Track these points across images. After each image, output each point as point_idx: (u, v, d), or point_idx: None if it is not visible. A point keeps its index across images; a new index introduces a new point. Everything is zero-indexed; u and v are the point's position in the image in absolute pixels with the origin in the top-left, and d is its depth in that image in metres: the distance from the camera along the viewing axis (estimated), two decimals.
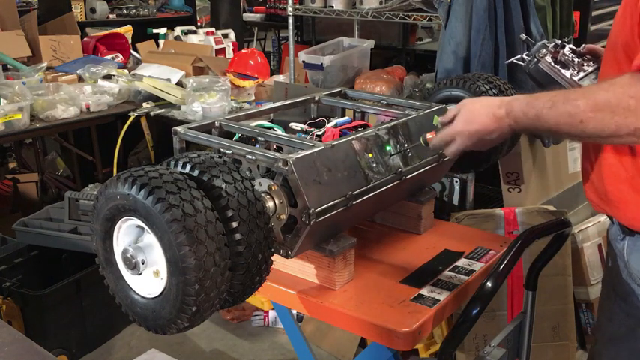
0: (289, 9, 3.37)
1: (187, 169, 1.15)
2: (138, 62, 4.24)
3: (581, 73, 1.61)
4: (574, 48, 1.67)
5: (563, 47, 1.66)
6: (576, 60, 1.64)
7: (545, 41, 1.71)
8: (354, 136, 1.43)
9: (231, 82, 3.50)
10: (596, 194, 1.36)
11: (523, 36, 1.80)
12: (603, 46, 1.41)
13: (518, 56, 1.75)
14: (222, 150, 1.40)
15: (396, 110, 1.70)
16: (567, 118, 1.10)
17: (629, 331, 1.36)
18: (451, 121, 1.34)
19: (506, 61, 2.09)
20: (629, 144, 1.13)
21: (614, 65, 1.22)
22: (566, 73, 1.61)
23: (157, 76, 3.56)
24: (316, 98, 1.84)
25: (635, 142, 1.07)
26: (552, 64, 1.64)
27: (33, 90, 3.19)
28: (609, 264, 1.42)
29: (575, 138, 1.14)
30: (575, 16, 2.82)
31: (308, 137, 1.54)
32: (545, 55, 1.65)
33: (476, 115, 1.29)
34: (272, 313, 3.03)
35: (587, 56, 1.66)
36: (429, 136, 1.42)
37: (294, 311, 1.95)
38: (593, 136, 1.08)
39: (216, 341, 2.95)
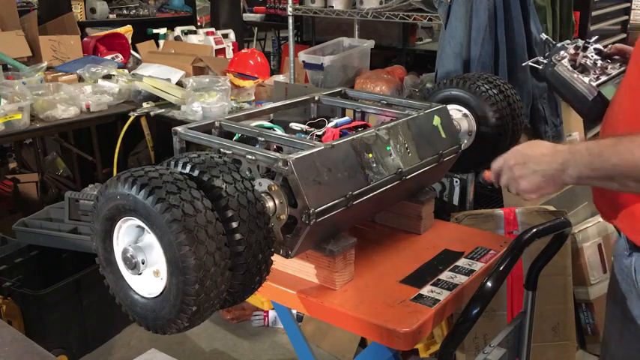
0: (289, 9, 3.36)
1: (187, 169, 1.15)
2: (138, 62, 4.25)
3: (603, 77, 1.49)
4: (600, 48, 1.55)
5: (586, 49, 1.54)
6: (599, 62, 1.52)
7: (567, 42, 1.60)
8: (354, 136, 1.43)
9: (231, 82, 3.50)
10: (606, 203, 1.27)
11: (544, 36, 1.70)
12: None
13: (535, 58, 1.64)
14: (222, 150, 1.40)
15: (396, 110, 1.69)
16: (629, 154, 1.00)
17: None
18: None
19: (523, 64, 1.98)
20: None
21: None
22: (585, 78, 1.49)
23: (157, 76, 3.56)
24: (316, 98, 1.84)
25: None
26: (570, 68, 1.53)
27: (33, 90, 3.20)
28: (614, 282, 1.32)
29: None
30: (575, 16, 2.82)
31: (308, 137, 1.53)
32: (563, 59, 1.54)
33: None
34: (272, 313, 3.03)
35: (616, 56, 1.54)
36: (486, 173, 1.39)
37: (294, 311, 1.95)
38: None
39: (216, 341, 2.95)
